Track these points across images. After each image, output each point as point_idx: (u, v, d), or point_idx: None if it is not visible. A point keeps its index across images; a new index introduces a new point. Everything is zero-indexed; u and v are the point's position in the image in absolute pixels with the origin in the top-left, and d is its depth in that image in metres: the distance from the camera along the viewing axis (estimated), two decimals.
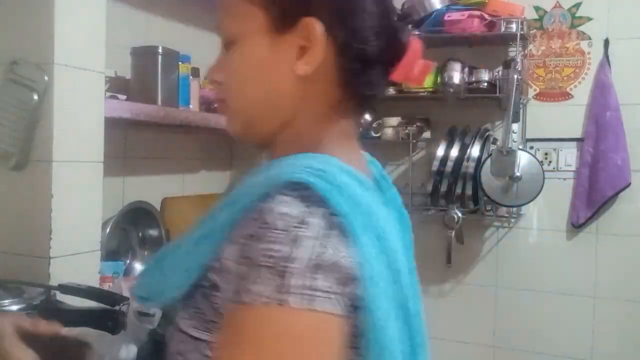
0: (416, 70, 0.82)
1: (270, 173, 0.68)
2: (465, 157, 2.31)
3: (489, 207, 2.43)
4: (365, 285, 0.64)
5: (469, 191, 2.33)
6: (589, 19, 2.39)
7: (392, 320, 0.67)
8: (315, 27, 0.72)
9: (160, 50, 1.91)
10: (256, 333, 0.61)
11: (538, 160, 2.30)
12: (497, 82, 2.30)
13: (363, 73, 0.76)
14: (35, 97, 1.39)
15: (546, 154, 2.43)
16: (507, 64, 2.30)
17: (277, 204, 0.63)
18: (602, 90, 2.34)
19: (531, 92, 2.46)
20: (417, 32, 2.37)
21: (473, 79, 2.33)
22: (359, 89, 0.77)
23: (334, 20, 0.73)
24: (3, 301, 1.25)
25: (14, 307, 1.25)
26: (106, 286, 1.75)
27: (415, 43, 0.81)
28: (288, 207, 0.63)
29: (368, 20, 0.76)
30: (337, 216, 0.64)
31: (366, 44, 0.75)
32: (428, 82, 2.37)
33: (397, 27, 0.81)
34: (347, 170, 0.70)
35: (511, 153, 2.20)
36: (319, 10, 0.73)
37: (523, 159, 2.24)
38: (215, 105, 2.25)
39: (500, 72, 2.34)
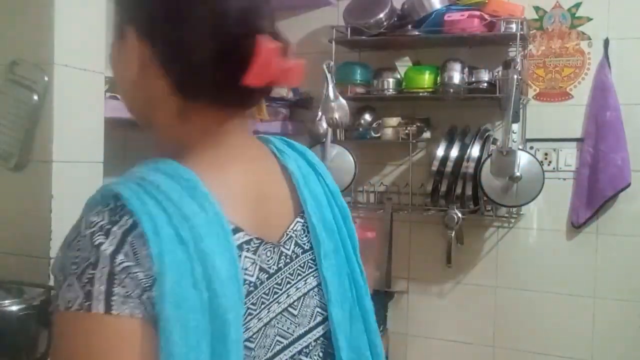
0: (280, 72, 0.76)
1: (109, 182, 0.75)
2: (465, 157, 2.31)
3: (488, 207, 2.43)
4: (158, 290, 0.66)
5: (468, 191, 2.33)
6: (589, 19, 2.39)
7: (182, 326, 0.67)
8: (128, 35, 0.77)
9: None
10: (67, 339, 0.67)
11: (538, 161, 2.29)
12: (497, 82, 2.29)
13: (197, 79, 0.75)
14: (35, 97, 1.39)
15: (546, 154, 2.43)
16: (507, 64, 2.30)
17: (91, 214, 0.70)
18: (602, 90, 2.34)
19: (531, 92, 2.46)
20: (416, 32, 2.37)
21: (473, 79, 2.33)
22: (201, 94, 0.76)
23: (149, 30, 0.76)
24: (3, 301, 1.25)
25: (14, 308, 1.25)
26: None
27: (268, 45, 0.73)
28: (97, 217, 0.69)
29: (188, 30, 0.74)
30: (140, 226, 0.67)
31: (189, 52, 0.74)
32: (428, 82, 2.37)
33: (234, 32, 0.74)
34: (176, 174, 0.73)
35: (511, 153, 2.20)
36: (135, 21, 0.77)
37: (523, 159, 2.24)
38: None
39: (500, 72, 2.34)
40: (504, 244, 2.51)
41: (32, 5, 1.42)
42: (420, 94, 2.39)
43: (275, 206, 0.84)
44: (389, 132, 2.47)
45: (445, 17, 2.30)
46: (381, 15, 2.37)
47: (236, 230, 0.74)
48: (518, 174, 2.21)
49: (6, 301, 1.25)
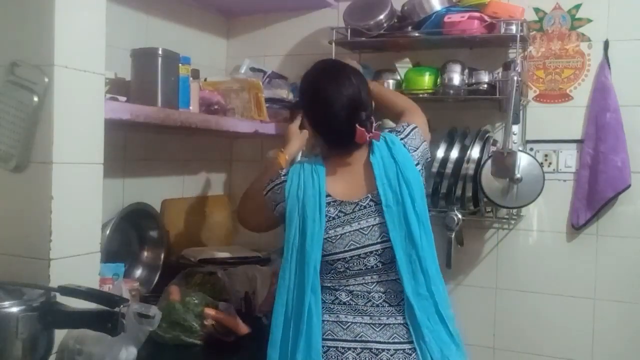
0: (362, 137, 1.66)
1: None
2: (465, 158, 2.31)
3: (489, 209, 2.43)
4: (287, 207, 1.67)
5: (469, 193, 2.33)
6: (589, 21, 2.39)
7: (290, 222, 1.65)
8: (307, 124, 1.79)
9: (160, 52, 1.91)
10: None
11: (538, 162, 2.30)
12: (497, 84, 2.29)
13: (327, 141, 1.74)
14: (35, 98, 1.39)
15: (546, 155, 2.43)
16: (507, 66, 2.30)
17: (279, 174, 1.75)
18: (601, 92, 2.34)
19: (531, 94, 2.46)
20: (416, 34, 2.37)
21: (473, 81, 2.33)
22: (329, 146, 1.74)
23: (311, 121, 1.76)
24: (3, 303, 1.25)
25: (14, 309, 1.25)
26: (106, 288, 1.75)
27: (360, 128, 1.65)
28: (280, 172, 1.75)
29: (324, 123, 1.72)
30: (286, 181, 1.68)
31: (325, 130, 1.73)
32: (428, 83, 2.37)
33: (343, 123, 1.69)
34: (313, 165, 1.68)
35: (511, 154, 2.20)
36: (306, 115, 1.79)
37: (523, 160, 2.24)
38: (215, 108, 2.26)
39: (500, 74, 2.34)
40: (504, 245, 2.51)
41: (33, 7, 1.42)
42: (420, 96, 2.39)
43: (359, 184, 1.66)
44: None
45: (445, 19, 2.30)
46: (381, 17, 2.37)
47: (328, 195, 1.63)
48: (518, 175, 2.21)
49: (6, 302, 1.25)
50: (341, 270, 1.64)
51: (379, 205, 1.62)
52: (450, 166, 2.32)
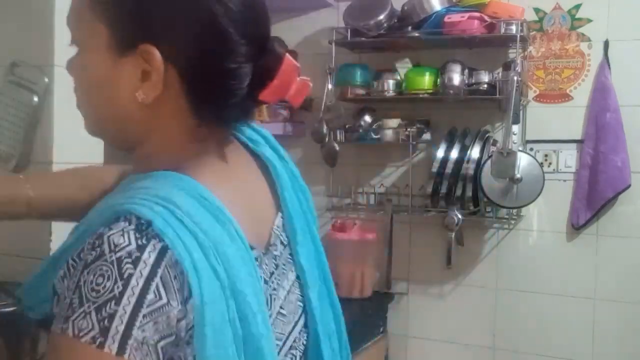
0: (293, 90, 0.73)
1: (116, 198, 0.66)
2: (465, 158, 2.31)
3: (489, 209, 2.43)
4: (198, 327, 0.62)
5: (469, 193, 2.33)
6: (589, 21, 2.39)
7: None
8: (154, 54, 0.66)
9: None
10: None
11: (538, 162, 2.30)
12: (497, 84, 2.29)
13: (217, 101, 0.70)
14: (36, 98, 1.39)
15: (546, 155, 2.43)
16: (507, 66, 2.30)
17: (114, 234, 0.61)
18: (602, 92, 2.34)
19: (531, 94, 2.46)
20: (416, 34, 2.37)
21: (473, 81, 2.33)
22: (216, 116, 0.72)
23: (176, 49, 0.67)
24: (3, 303, 1.25)
25: (15, 309, 1.25)
26: None
27: (288, 61, 0.71)
28: (122, 238, 0.61)
29: (220, 47, 0.67)
30: (171, 251, 0.61)
31: (218, 73, 0.68)
32: (428, 83, 2.37)
33: (265, 49, 0.72)
34: (200, 196, 0.66)
35: (511, 154, 2.20)
36: (160, 37, 0.67)
37: (523, 160, 2.24)
38: None
39: (500, 74, 2.34)
40: (504, 245, 2.51)
41: (33, 6, 1.42)
42: (421, 96, 2.39)
43: (263, 209, 0.79)
44: (388, 134, 2.47)
45: (445, 19, 2.30)
46: (381, 17, 2.37)
47: (251, 247, 0.70)
48: (518, 175, 2.21)
49: (6, 302, 1.25)
50: None
51: (287, 247, 0.81)
52: (450, 166, 2.32)
